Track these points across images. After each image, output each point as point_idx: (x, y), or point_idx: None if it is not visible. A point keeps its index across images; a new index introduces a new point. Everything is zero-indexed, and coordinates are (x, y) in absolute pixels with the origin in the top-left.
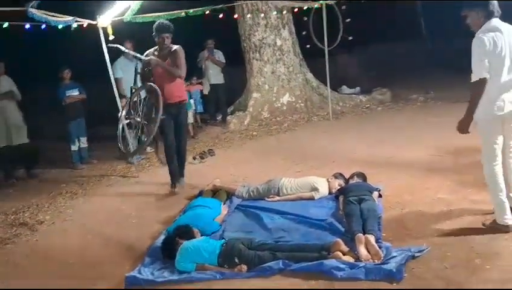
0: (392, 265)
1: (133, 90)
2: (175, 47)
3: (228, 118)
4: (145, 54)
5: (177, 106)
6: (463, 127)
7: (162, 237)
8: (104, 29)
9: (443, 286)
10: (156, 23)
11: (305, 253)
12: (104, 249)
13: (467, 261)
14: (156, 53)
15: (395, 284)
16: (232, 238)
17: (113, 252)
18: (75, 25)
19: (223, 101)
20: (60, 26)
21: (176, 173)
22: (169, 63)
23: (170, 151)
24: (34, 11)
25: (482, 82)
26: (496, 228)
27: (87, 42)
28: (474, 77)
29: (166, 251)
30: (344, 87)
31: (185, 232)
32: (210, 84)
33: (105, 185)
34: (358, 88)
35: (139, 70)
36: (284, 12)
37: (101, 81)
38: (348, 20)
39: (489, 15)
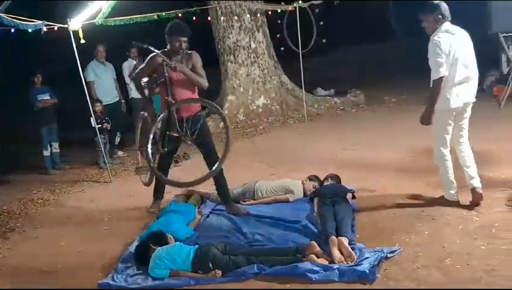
0: (365, 266)
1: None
2: (191, 53)
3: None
4: (151, 56)
5: (195, 118)
6: (425, 119)
7: (135, 244)
8: (75, 33)
9: (415, 287)
10: (172, 23)
11: (279, 256)
12: (76, 256)
13: (438, 261)
14: (160, 59)
15: (368, 285)
16: (206, 244)
17: (86, 259)
18: (45, 28)
19: None
20: (29, 30)
21: (162, 190)
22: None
23: (166, 161)
24: (2, 15)
25: (441, 80)
26: (444, 202)
27: (59, 46)
28: (434, 76)
29: (140, 258)
30: (319, 89)
31: (158, 238)
32: None
33: (78, 190)
34: (332, 90)
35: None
36: (258, 15)
37: (73, 85)
38: (321, 22)
39: (443, 19)
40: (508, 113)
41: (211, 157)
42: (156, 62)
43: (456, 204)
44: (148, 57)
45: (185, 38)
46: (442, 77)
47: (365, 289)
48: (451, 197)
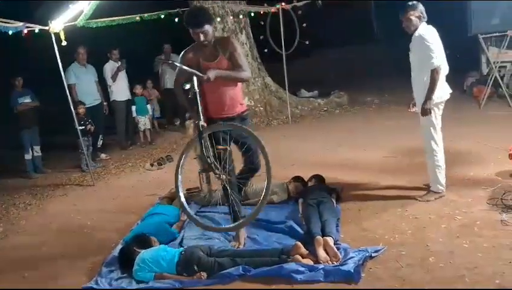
0: (350, 266)
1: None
2: (225, 38)
3: (187, 123)
4: (181, 55)
5: (240, 118)
6: (428, 109)
7: (119, 247)
8: (57, 35)
9: (399, 285)
10: (184, 14)
11: (264, 258)
12: (59, 261)
13: (422, 259)
14: (191, 54)
15: (353, 284)
16: (190, 246)
17: (69, 263)
18: (25, 30)
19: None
20: (10, 32)
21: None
22: (228, 65)
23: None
24: None
25: (439, 68)
26: (429, 193)
27: (39, 48)
28: (435, 64)
29: (124, 261)
30: (303, 90)
31: (142, 241)
32: (167, 89)
33: (60, 194)
34: (316, 91)
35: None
36: (241, 16)
37: (54, 86)
38: (304, 24)
39: (423, 17)
40: (487, 113)
41: (251, 167)
42: (187, 72)
43: (439, 203)
44: (177, 68)
45: (200, 30)
46: (440, 65)
47: (350, 289)
48: (438, 190)
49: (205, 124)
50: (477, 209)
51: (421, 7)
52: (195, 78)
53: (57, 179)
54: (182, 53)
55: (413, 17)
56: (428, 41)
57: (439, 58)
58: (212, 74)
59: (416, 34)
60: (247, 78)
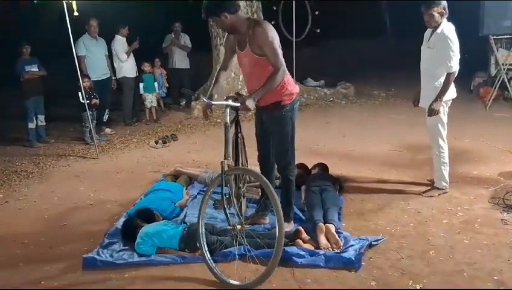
0: (351, 253)
1: None
2: (256, 27)
3: (192, 103)
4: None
5: (271, 110)
6: (437, 109)
7: (122, 219)
8: (69, 5)
9: (398, 276)
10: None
11: (266, 240)
12: (60, 230)
13: (422, 252)
14: (231, 37)
15: (353, 272)
16: (194, 223)
17: (70, 233)
18: None
19: (187, 86)
20: (35, 1)
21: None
22: (254, 60)
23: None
24: None
25: (455, 73)
26: (433, 189)
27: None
28: (453, 69)
29: (127, 234)
30: (309, 79)
31: (146, 215)
32: (174, 69)
33: (63, 165)
34: (322, 81)
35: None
36: (254, 0)
37: (62, 57)
38: (317, 12)
39: (445, 14)
40: (492, 115)
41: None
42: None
43: (441, 199)
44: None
45: (215, 18)
46: (457, 70)
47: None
48: (442, 187)
49: (232, 164)
50: (478, 207)
51: (444, 3)
52: (227, 110)
53: (59, 149)
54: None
55: (436, 13)
56: (452, 42)
57: (458, 62)
58: (251, 104)
59: (439, 30)
60: (282, 77)
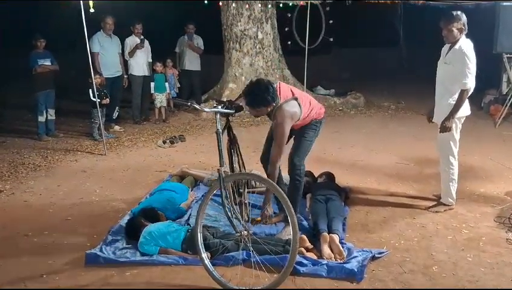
0: (353, 264)
1: None
2: (277, 110)
3: (202, 105)
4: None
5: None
6: (449, 126)
7: (127, 218)
8: (85, 2)
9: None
10: None
11: (269, 246)
12: (64, 224)
13: (425, 267)
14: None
15: (355, 283)
16: None
17: (74, 227)
18: None
19: (198, 88)
20: None
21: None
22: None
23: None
24: None
25: (470, 90)
26: (439, 205)
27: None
28: (468, 86)
29: (130, 232)
30: (319, 87)
31: (150, 214)
32: (185, 70)
33: (70, 159)
34: (333, 90)
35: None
36: (269, 6)
37: (74, 53)
38: (331, 21)
39: (464, 30)
40: (502, 133)
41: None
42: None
43: (447, 215)
44: None
45: (259, 109)
46: (471, 87)
47: (352, 289)
48: (449, 203)
49: (228, 171)
50: (484, 225)
51: (464, 19)
52: (217, 116)
53: (68, 144)
54: None
55: (455, 29)
56: (469, 59)
57: (473, 79)
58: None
59: (457, 46)
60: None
